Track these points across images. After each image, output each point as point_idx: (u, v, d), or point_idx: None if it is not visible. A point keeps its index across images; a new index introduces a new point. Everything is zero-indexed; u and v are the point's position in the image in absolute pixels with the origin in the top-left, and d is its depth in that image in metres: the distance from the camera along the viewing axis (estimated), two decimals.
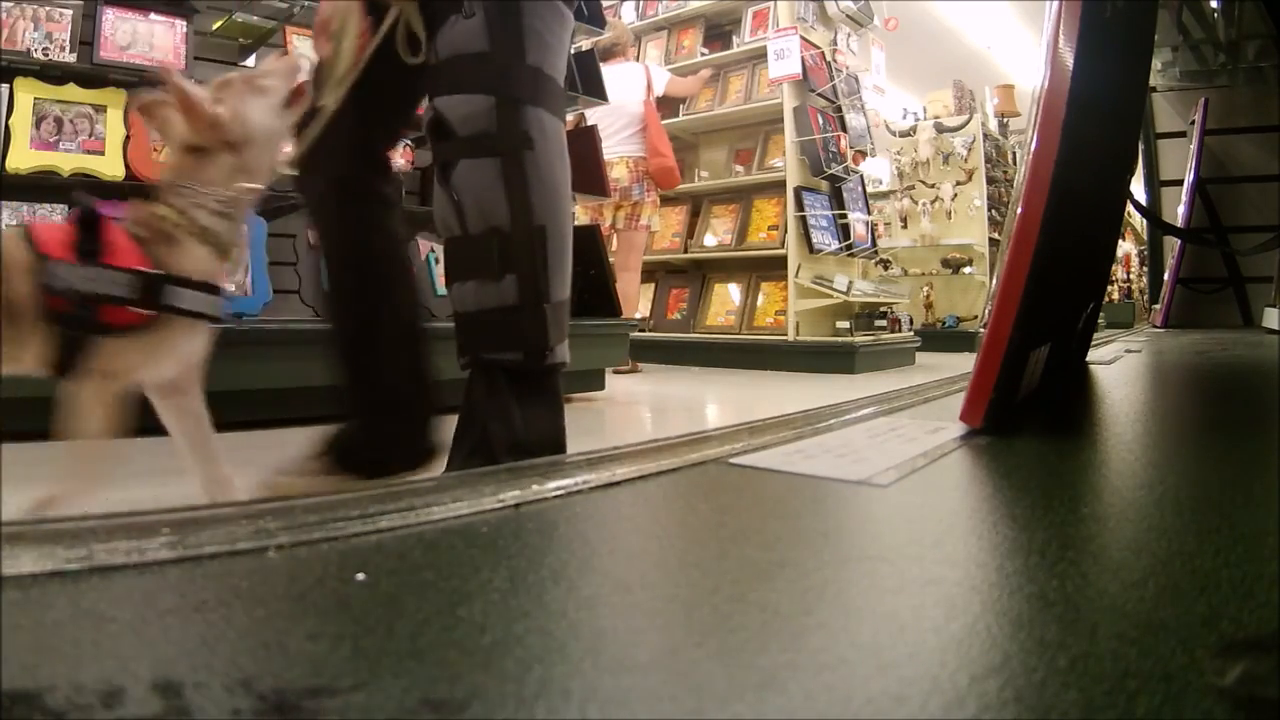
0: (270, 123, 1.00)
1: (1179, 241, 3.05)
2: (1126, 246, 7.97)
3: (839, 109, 4.15)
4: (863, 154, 4.32)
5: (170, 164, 0.96)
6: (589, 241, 2.81)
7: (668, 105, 4.57)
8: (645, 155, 3.65)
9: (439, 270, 2.62)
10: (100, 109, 2.15)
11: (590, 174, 2.87)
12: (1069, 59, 0.63)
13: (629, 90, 3.63)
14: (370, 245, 1.22)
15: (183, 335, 0.93)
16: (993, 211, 5.89)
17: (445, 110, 1.05)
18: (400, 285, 1.19)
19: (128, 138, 2.16)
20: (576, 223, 3.50)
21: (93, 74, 2.14)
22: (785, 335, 3.89)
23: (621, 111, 3.60)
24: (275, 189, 2.56)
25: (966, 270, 5.94)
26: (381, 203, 1.20)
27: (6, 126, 2.03)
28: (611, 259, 3.41)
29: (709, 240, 4.38)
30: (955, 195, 5.97)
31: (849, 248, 4.05)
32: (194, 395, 1.02)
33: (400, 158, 2.67)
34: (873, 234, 4.42)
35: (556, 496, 0.47)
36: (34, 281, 0.84)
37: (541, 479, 0.49)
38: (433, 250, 2.63)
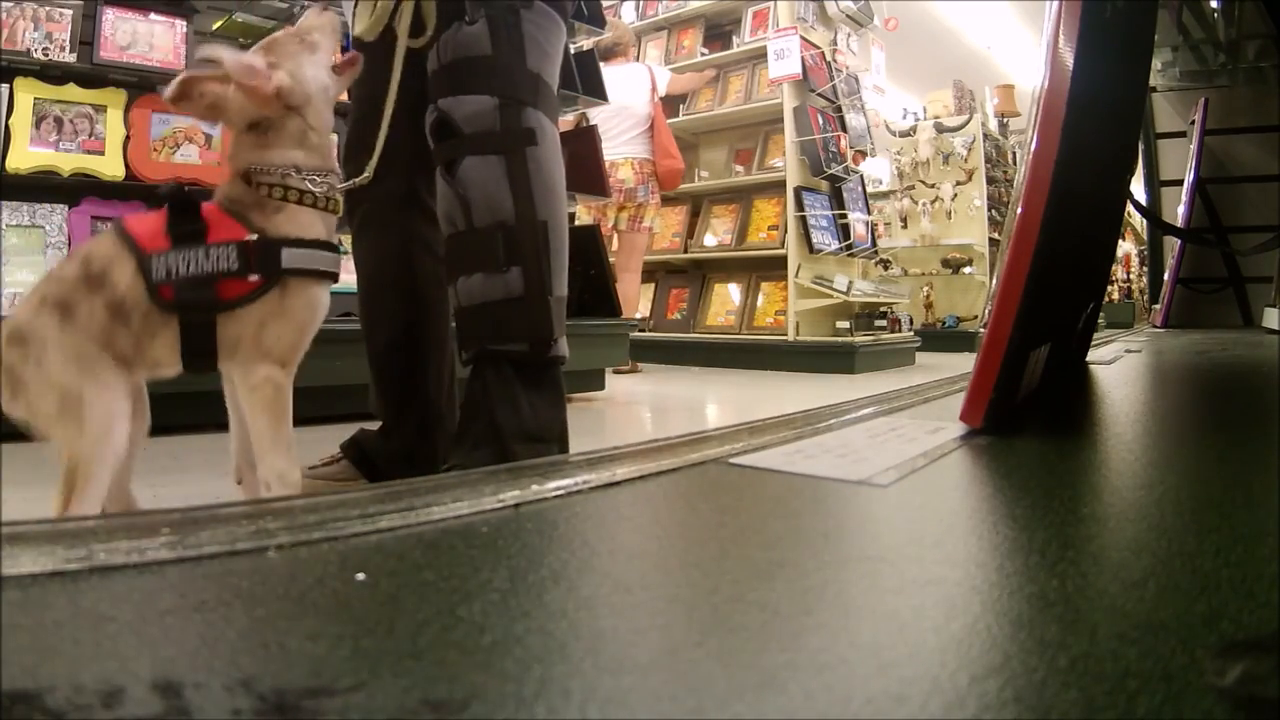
0: (325, 78, 0.96)
1: (1179, 241, 3.05)
2: (1126, 246, 7.97)
3: (839, 109, 4.15)
4: (863, 154, 4.32)
5: (235, 149, 0.92)
6: (589, 241, 2.81)
7: (668, 105, 4.57)
8: (651, 157, 3.66)
9: None
10: (100, 109, 2.15)
11: (591, 174, 2.86)
12: (1069, 59, 0.63)
13: (634, 91, 3.64)
14: (414, 259, 1.26)
15: (305, 296, 0.89)
16: (993, 211, 5.89)
17: (450, 110, 1.09)
18: (437, 301, 1.22)
19: (128, 138, 2.16)
20: (578, 223, 3.51)
21: (93, 74, 2.14)
22: (785, 335, 3.89)
23: (628, 113, 3.60)
24: None
25: (966, 270, 5.94)
26: (427, 217, 1.22)
27: (6, 126, 2.03)
28: (612, 259, 3.41)
29: (709, 240, 4.38)
30: (955, 195, 5.96)
31: (849, 248, 4.05)
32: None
33: None
34: (873, 234, 4.42)
35: (556, 496, 0.47)
36: (144, 278, 0.83)
37: (541, 479, 0.49)
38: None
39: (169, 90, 0.88)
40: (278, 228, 0.88)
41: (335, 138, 1.01)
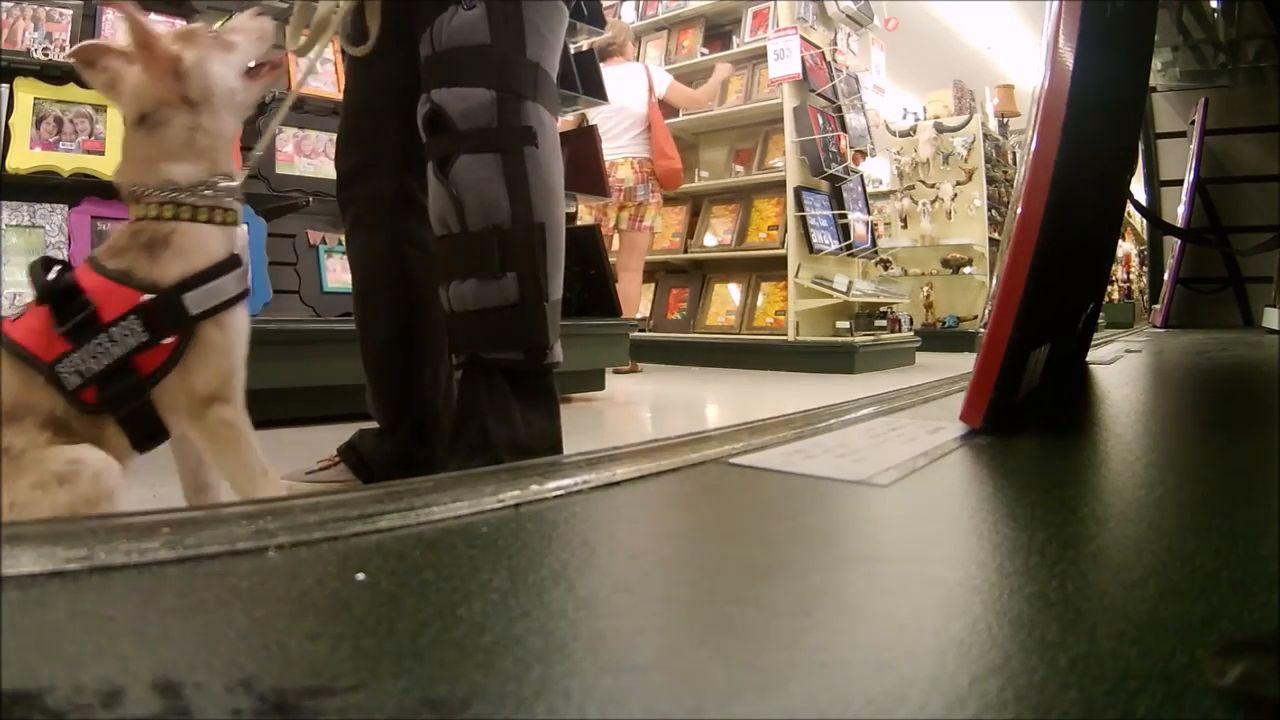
0: (233, 83, 0.87)
1: (1179, 241, 3.05)
2: (1126, 246, 7.97)
3: (839, 109, 4.15)
4: (863, 154, 4.32)
5: (122, 162, 0.84)
6: (589, 241, 2.81)
7: (667, 105, 4.57)
8: (650, 156, 3.65)
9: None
10: (100, 109, 2.15)
11: (591, 174, 2.86)
12: (1069, 59, 0.63)
13: (632, 91, 3.63)
14: (407, 260, 1.23)
15: (223, 328, 0.83)
16: (993, 211, 5.89)
17: (444, 103, 1.03)
18: (432, 302, 1.18)
19: None
20: (580, 223, 3.51)
21: None
22: (785, 335, 3.89)
23: (626, 113, 3.60)
24: (275, 190, 2.56)
25: (966, 270, 5.94)
26: (420, 215, 1.19)
27: (6, 126, 2.03)
28: (612, 259, 3.41)
29: (709, 240, 4.38)
30: (955, 195, 5.97)
31: (849, 248, 4.05)
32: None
33: None
34: (873, 234, 4.42)
35: (556, 496, 0.47)
36: (60, 390, 0.75)
37: (541, 479, 0.49)
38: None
39: (71, 51, 0.83)
40: (166, 270, 0.79)
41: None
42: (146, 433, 0.81)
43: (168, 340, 0.78)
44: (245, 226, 0.90)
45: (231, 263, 0.84)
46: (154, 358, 0.78)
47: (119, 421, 0.78)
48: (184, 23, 2.26)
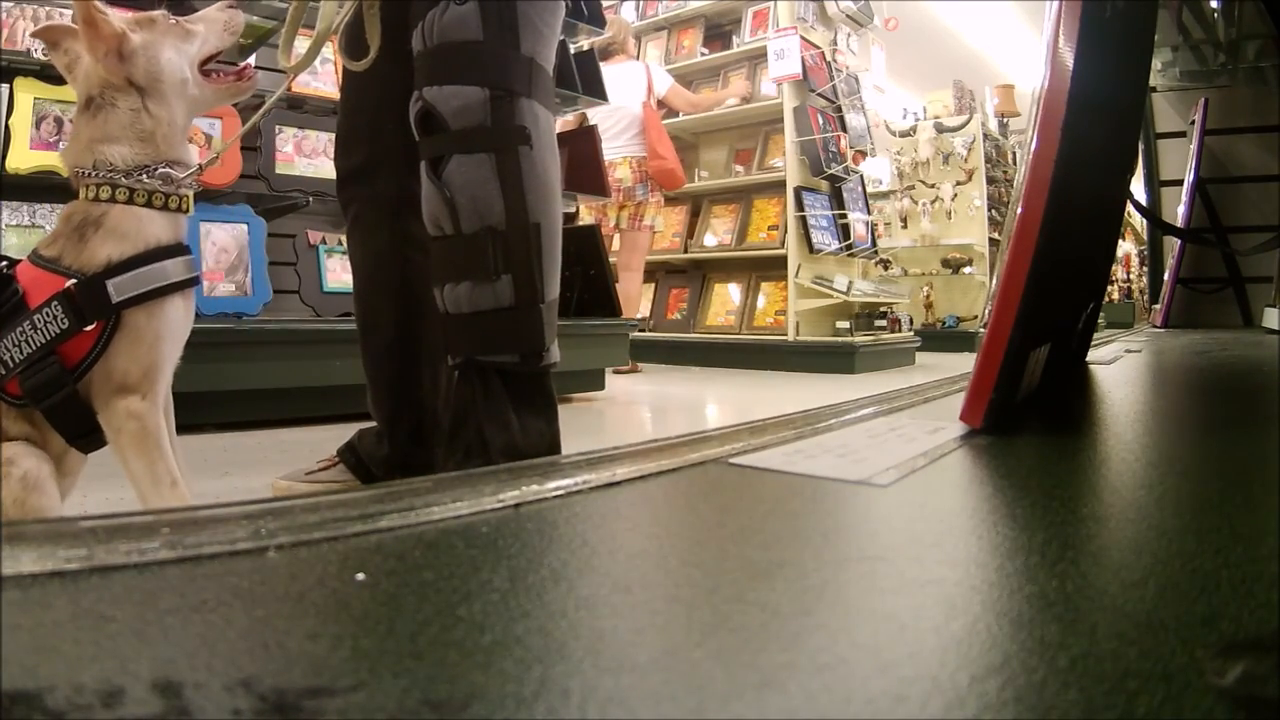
0: (184, 70, 0.85)
1: (1179, 241, 3.05)
2: (1126, 246, 7.97)
3: (839, 109, 4.15)
4: (863, 154, 4.32)
5: (68, 144, 0.83)
6: (589, 241, 2.81)
7: (668, 106, 4.56)
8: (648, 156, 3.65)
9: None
10: None
11: (591, 174, 2.86)
12: (1069, 59, 0.63)
13: (630, 90, 3.63)
14: (407, 261, 1.22)
15: (150, 315, 0.78)
16: (993, 211, 5.89)
17: (436, 102, 1.01)
18: (432, 303, 1.17)
19: None
20: (580, 223, 3.50)
21: None
22: (785, 335, 3.89)
23: (623, 112, 3.60)
24: (275, 189, 2.57)
25: (966, 270, 5.94)
26: (420, 218, 1.17)
27: (6, 126, 2.03)
28: (613, 259, 3.41)
29: (709, 240, 4.38)
30: (955, 195, 5.97)
31: (849, 248, 4.05)
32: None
33: None
34: (873, 234, 4.42)
35: (556, 496, 0.47)
36: None
37: (541, 479, 0.49)
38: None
39: (35, 31, 0.84)
40: (94, 254, 0.76)
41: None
42: (78, 430, 0.78)
43: (89, 328, 0.74)
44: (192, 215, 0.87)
45: (174, 250, 0.81)
46: (78, 346, 0.75)
47: (45, 415, 0.75)
48: None
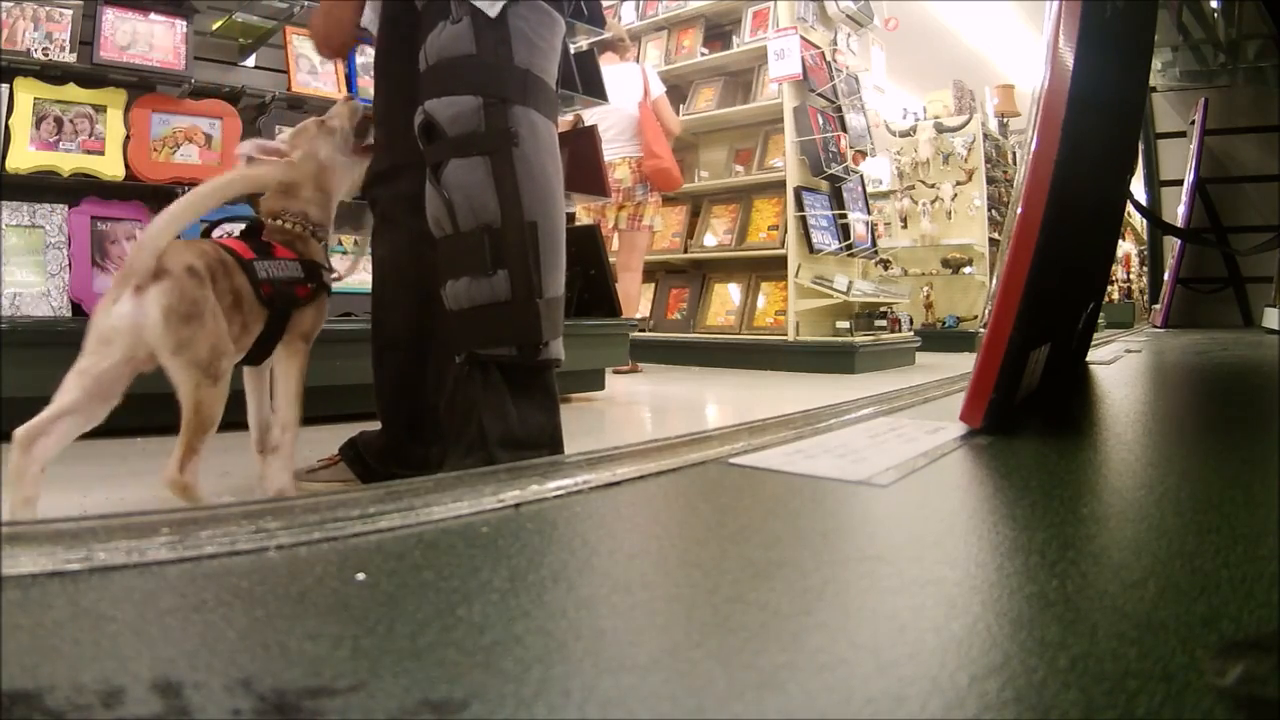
0: (338, 156, 1.29)
1: (1179, 241, 3.05)
2: (1126, 246, 7.97)
3: (839, 109, 4.15)
4: (863, 154, 4.32)
5: (270, 199, 1.26)
6: (589, 241, 2.81)
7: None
8: (644, 156, 3.64)
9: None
10: (100, 109, 2.15)
11: (591, 174, 2.86)
12: (1069, 59, 0.63)
13: (626, 91, 3.63)
14: (423, 258, 1.24)
15: (325, 302, 1.24)
16: (993, 211, 5.89)
17: (435, 112, 1.07)
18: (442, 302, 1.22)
19: (128, 137, 2.16)
20: (580, 223, 3.50)
21: (93, 74, 2.14)
22: (785, 335, 3.89)
23: (620, 114, 3.59)
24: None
25: (966, 270, 5.94)
26: None
27: (6, 126, 2.03)
28: (613, 259, 3.41)
29: (709, 240, 4.38)
30: (955, 195, 5.97)
31: (849, 248, 4.05)
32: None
33: None
34: (873, 234, 4.42)
35: (556, 496, 0.47)
36: (247, 277, 1.11)
37: (541, 479, 0.49)
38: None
39: (242, 150, 1.29)
40: (311, 254, 1.22)
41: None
42: (264, 348, 1.17)
43: (310, 286, 1.19)
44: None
45: (331, 269, 1.27)
46: (303, 292, 1.19)
47: (269, 320, 1.15)
48: (184, 22, 2.26)
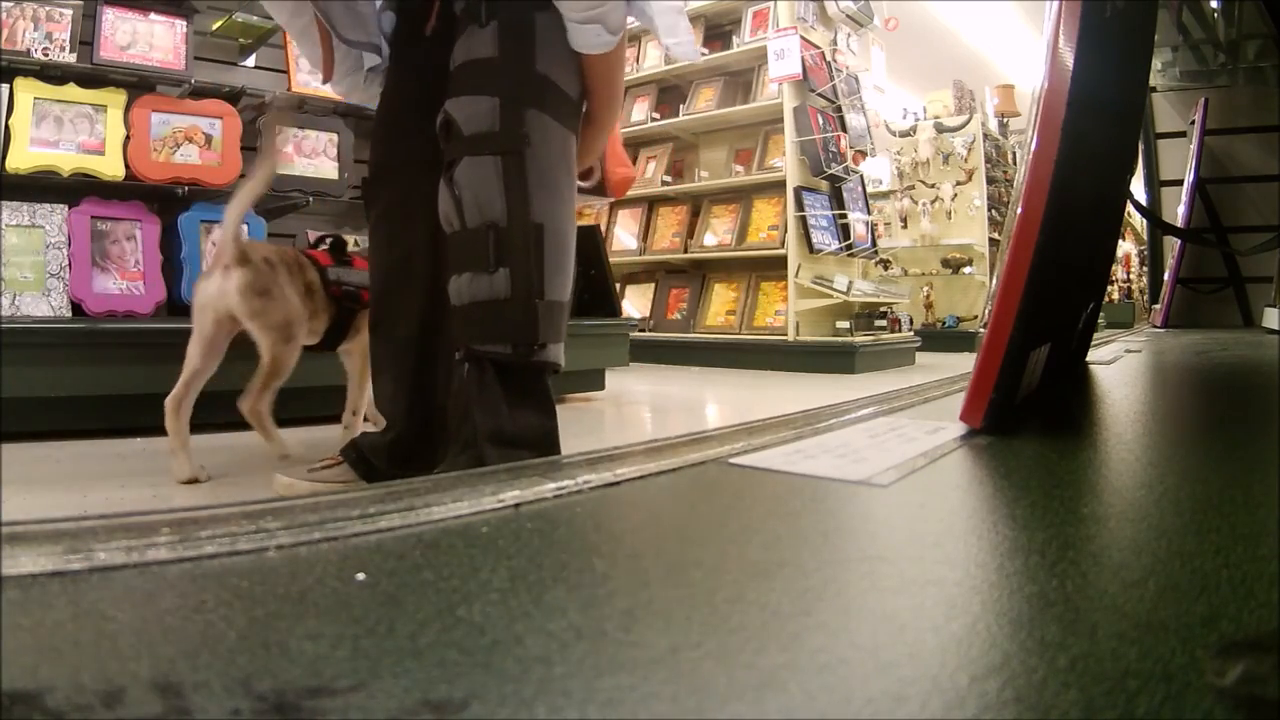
0: None
1: (1179, 241, 3.05)
2: (1126, 246, 7.97)
3: (839, 109, 4.15)
4: (863, 154, 4.32)
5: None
6: (589, 242, 2.81)
7: (668, 102, 4.56)
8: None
9: None
10: (100, 109, 2.15)
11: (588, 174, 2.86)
12: (1069, 59, 0.63)
13: None
14: (435, 256, 1.24)
15: None
16: (993, 211, 5.89)
17: (454, 111, 1.09)
18: (449, 303, 1.21)
19: (128, 138, 2.16)
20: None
21: (93, 74, 2.15)
22: (785, 335, 3.89)
23: None
24: (274, 190, 2.55)
25: (966, 270, 5.94)
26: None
27: (6, 126, 2.03)
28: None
29: (709, 240, 4.38)
30: (955, 195, 5.97)
31: (849, 248, 4.05)
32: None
33: None
34: (873, 234, 4.42)
35: (556, 496, 0.47)
36: (323, 280, 1.45)
37: (541, 479, 0.49)
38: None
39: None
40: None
41: None
42: (335, 337, 1.50)
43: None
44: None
45: None
46: (365, 295, 1.42)
47: (335, 315, 1.48)
48: (184, 22, 2.26)
